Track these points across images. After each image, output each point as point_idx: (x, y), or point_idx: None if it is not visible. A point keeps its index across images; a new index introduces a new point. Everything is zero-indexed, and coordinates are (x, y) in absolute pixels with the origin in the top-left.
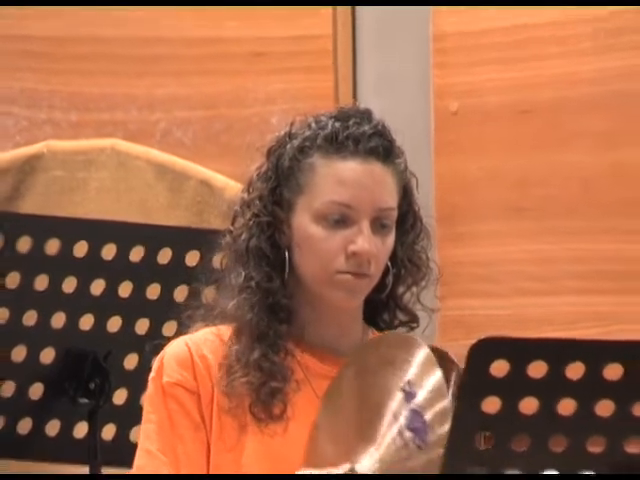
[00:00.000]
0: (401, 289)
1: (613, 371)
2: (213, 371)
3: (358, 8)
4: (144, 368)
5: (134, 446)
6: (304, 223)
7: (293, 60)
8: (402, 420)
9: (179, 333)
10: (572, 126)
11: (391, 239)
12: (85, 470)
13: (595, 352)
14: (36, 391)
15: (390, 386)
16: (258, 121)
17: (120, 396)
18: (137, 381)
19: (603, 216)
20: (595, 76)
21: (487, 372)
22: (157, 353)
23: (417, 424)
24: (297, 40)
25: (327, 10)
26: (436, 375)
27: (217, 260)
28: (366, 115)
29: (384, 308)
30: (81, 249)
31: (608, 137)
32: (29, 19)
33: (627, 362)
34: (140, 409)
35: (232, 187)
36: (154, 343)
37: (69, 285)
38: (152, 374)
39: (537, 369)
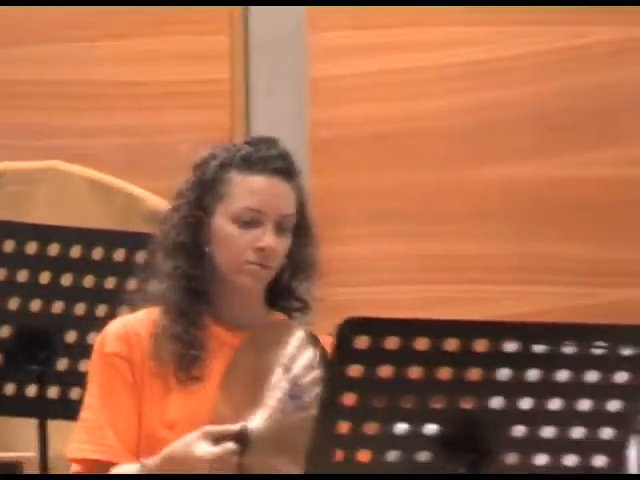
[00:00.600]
0: (296, 282)
1: (451, 344)
2: (144, 343)
3: (252, 56)
4: (82, 341)
5: (74, 403)
6: (222, 224)
7: (197, 99)
8: (283, 388)
9: (110, 314)
10: (419, 150)
11: (289, 240)
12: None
13: (437, 329)
14: None
15: (274, 361)
16: (170, 148)
17: (63, 363)
18: (76, 352)
19: (441, 222)
20: (436, 111)
21: (352, 345)
22: (92, 330)
23: (294, 391)
24: (200, 83)
25: (224, 56)
26: (309, 353)
27: (140, 256)
28: (273, 142)
29: (283, 297)
30: (31, 248)
31: (447, 159)
32: None
33: (462, 337)
34: (79, 374)
35: (151, 199)
36: (90, 322)
37: (22, 276)
38: (95, 346)
39: (392, 342)
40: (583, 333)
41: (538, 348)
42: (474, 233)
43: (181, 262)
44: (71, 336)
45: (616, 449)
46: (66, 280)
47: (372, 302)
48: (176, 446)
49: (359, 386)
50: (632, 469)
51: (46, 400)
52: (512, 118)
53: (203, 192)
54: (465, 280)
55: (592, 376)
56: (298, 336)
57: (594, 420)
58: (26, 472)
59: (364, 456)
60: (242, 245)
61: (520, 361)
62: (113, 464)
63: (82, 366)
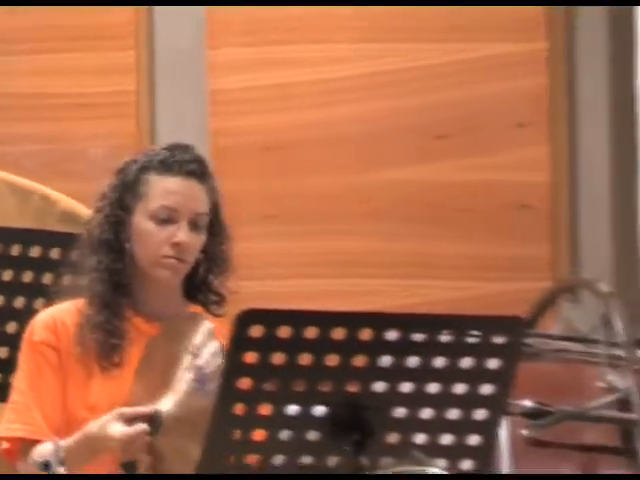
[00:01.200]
0: (211, 276)
1: (338, 333)
2: (70, 332)
3: (157, 70)
4: (20, 332)
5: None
6: (141, 222)
7: (107, 109)
8: (189, 375)
9: (47, 307)
10: (306, 157)
11: (202, 237)
12: None
13: (326, 320)
14: None
15: (184, 350)
16: (82, 153)
17: (3, 352)
18: (15, 341)
19: (331, 222)
20: (323, 121)
21: (247, 334)
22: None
23: (199, 377)
24: (110, 94)
25: (132, 70)
26: (214, 343)
27: (55, 253)
28: (188, 148)
29: (200, 290)
30: None
31: (334, 165)
32: None
33: (348, 327)
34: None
35: (65, 200)
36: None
37: None
38: (25, 335)
39: (284, 332)
40: (458, 323)
41: (417, 337)
42: (362, 232)
43: (104, 257)
44: (11, 327)
45: (488, 429)
46: (7, 276)
47: (263, 295)
48: (92, 426)
49: (254, 371)
50: (503, 447)
51: None
52: (396, 127)
53: (124, 193)
54: (352, 274)
55: (466, 362)
56: (206, 327)
57: (469, 402)
58: None
59: (259, 435)
60: (159, 241)
61: (400, 349)
62: (39, 442)
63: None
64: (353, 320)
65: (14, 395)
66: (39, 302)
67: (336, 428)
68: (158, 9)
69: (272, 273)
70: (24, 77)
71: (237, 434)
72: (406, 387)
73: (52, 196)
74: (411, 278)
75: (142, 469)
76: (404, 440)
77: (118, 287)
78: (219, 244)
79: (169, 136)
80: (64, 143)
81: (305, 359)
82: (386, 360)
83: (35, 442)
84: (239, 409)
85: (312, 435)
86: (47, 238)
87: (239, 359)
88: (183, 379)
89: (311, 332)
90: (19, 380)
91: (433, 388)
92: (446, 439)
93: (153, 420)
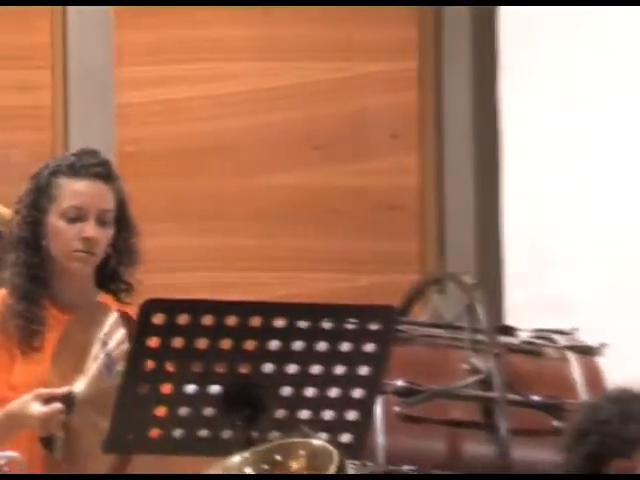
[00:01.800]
0: (121, 267)
1: (232, 320)
2: None
3: (69, 86)
4: None
5: None
6: (54, 221)
7: (25, 121)
8: (100, 359)
9: None
10: (203, 162)
11: (110, 231)
12: None
13: (220, 308)
14: None
15: (94, 337)
16: (4, 160)
17: None
18: None
19: (225, 221)
20: (218, 131)
21: (150, 320)
22: None
23: (108, 361)
24: (27, 108)
25: (47, 87)
26: (121, 331)
27: None
28: (94, 153)
29: (111, 280)
30: None
31: (227, 170)
32: None
33: (241, 314)
34: None
35: None
36: None
37: None
38: None
39: (183, 319)
40: (338, 312)
41: (301, 323)
42: (252, 230)
43: (22, 253)
44: None
45: (365, 406)
46: None
47: (168, 287)
48: (14, 405)
49: (157, 355)
50: (378, 422)
51: None
52: (280, 137)
53: (38, 196)
54: (246, 268)
55: (346, 346)
56: (113, 317)
57: (348, 382)
58: None
59: (161, 411)
60: (70, 237)
61: (287, 334)
62: None
63: None
64: (245, 309)
65: None
66: None
67: (230, 405)
68: (71, 32)
69: (176, 266)
70: None
71: (141, 411)
72: (292, 368)
73: None
74: (295, 271)
75: (58, 443)
76: (290, 416)
77: (36, 279)
78: (127, 238)
79: (81, 145)
80: None
81: (202, 343)
82: (274, 344)
83: None
84: (143, 388)
85: (208, 411)
86: None
87: (143, 343)
88: (94, 363)
89: (207, 319)
90: None
91: (316, 369)
92: (328, 415)
93: (67, 400)
